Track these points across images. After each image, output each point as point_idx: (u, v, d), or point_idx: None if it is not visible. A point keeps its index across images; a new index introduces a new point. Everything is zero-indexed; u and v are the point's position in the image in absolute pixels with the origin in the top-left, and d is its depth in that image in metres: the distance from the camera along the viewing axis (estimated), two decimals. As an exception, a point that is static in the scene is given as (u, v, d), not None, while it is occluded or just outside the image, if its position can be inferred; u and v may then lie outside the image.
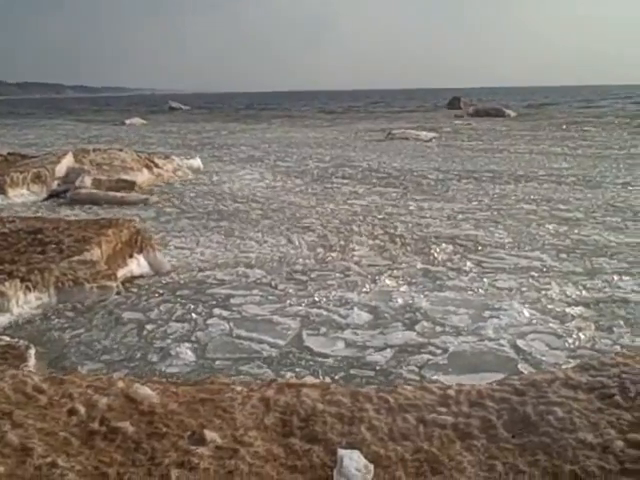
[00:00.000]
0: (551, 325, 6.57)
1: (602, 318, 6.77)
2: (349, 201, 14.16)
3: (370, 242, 10.27)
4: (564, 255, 9.20)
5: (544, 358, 5.83)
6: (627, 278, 8.03)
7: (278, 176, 18.63)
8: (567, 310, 6.98)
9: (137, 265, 8.54)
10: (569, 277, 8.14)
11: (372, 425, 3.72)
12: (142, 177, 16.64)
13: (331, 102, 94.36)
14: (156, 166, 17.82)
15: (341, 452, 3.34)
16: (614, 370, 4.17)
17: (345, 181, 17.40)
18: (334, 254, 9.54)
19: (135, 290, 7.94)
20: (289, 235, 10.84)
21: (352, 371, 5.70)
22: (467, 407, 3.89)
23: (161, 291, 7.90)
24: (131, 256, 8.54)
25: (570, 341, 6.20)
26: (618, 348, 5.84)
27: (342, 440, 3.59)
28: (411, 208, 13.08)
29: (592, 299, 7.34)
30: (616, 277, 8.06)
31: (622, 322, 6.61)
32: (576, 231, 10.68)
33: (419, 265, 8.84)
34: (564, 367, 4.93)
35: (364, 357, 5.98)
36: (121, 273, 8.16)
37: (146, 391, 4.07)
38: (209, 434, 3.57)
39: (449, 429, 3.68)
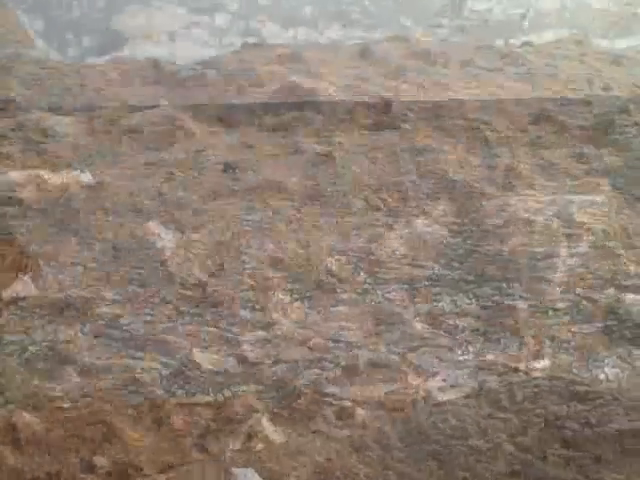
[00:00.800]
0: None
1: (490, 329, 6.91)
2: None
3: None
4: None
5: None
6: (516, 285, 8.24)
7: None
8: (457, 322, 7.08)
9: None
10: (460, 285, 8.27)
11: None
12: None
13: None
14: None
15: (235, 471, 3.28)
16: (503, 376, 4.29)
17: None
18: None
19: None
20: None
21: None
22: (362, 418, 3.89)
23: None
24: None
25: (459, 352, 6.30)
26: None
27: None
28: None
29: (481, 307, 7.48)
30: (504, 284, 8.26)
31: (508, 333, 6.75)
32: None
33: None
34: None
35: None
36: None
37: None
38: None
39: (345, 441, 3.67)
